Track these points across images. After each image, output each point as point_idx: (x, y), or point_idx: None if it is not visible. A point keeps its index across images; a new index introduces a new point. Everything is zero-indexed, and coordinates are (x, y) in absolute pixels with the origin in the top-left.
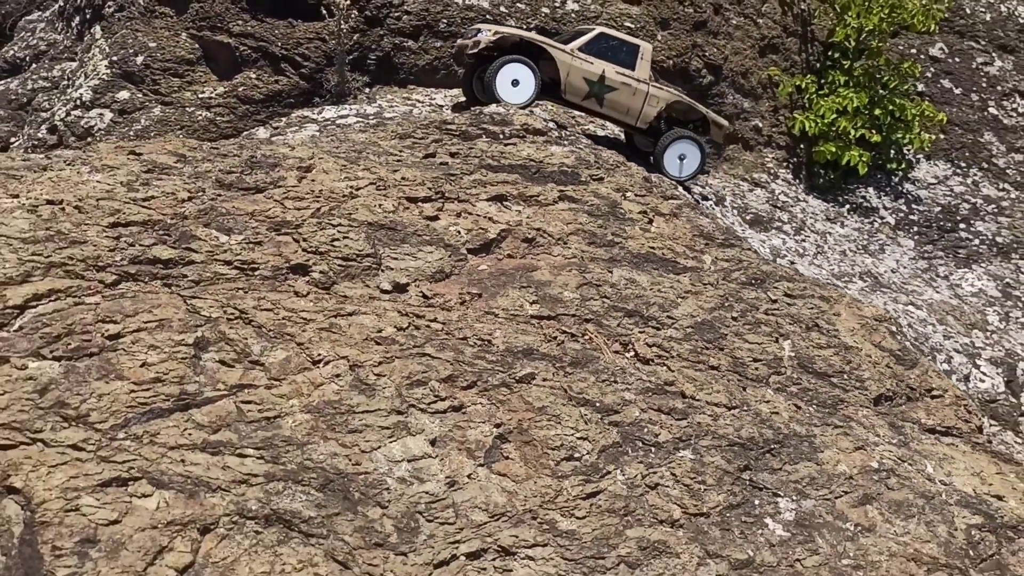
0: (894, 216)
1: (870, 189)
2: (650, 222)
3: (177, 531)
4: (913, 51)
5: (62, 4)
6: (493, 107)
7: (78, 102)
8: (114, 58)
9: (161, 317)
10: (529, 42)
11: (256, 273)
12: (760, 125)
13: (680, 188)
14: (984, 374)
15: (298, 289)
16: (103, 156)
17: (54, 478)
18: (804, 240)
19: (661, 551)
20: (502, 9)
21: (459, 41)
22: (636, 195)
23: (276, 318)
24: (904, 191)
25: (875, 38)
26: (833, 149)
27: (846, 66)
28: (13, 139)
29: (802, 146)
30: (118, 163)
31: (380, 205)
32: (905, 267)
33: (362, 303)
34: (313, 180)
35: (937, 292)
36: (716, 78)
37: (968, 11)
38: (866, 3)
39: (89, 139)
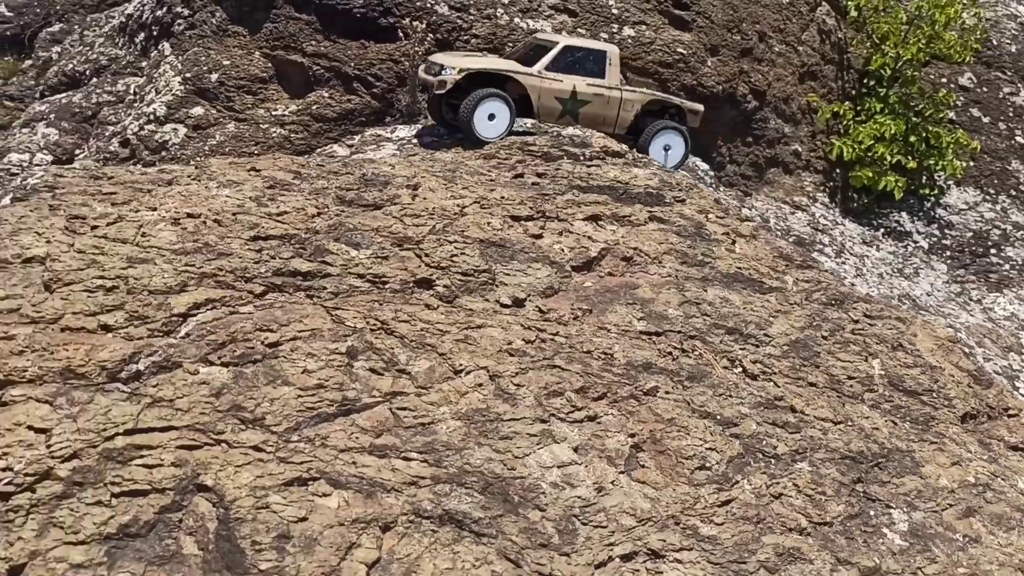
0: (927, 240)
1: (903, 214)
2: (733, 243)
3: (362, 528)
4: (943, 80)
5: (123, 20)
6: (571, 129)
7: (151, 117)
8: (187, 75)
9: (312, 327)
10: (496, 72)
11: (387, 286)
12: (799, 150)
13: (748, 209)
14: (1023, 395)
15: (428, 302)
16: (225, 171)
17: (241, 477)
18: (844, 263)
19: (796, 557)
20: (564, 34)
21: (421, 74)
22: (717, 217)
23: (415, 329)
24: (936, 216)
25: (910, 67)
26: (870, 174)
27: (881, 93)
28: (78, 151)
29: (838, 171)
30: (241, 178)
31: (488, 223)
32: (939, 290)
33: (487, 316)
34: (424, 198)
35: (971, 315)
36: (760, 103)
37: (995, 42)
38: (903, 34)
39: (163, 153)
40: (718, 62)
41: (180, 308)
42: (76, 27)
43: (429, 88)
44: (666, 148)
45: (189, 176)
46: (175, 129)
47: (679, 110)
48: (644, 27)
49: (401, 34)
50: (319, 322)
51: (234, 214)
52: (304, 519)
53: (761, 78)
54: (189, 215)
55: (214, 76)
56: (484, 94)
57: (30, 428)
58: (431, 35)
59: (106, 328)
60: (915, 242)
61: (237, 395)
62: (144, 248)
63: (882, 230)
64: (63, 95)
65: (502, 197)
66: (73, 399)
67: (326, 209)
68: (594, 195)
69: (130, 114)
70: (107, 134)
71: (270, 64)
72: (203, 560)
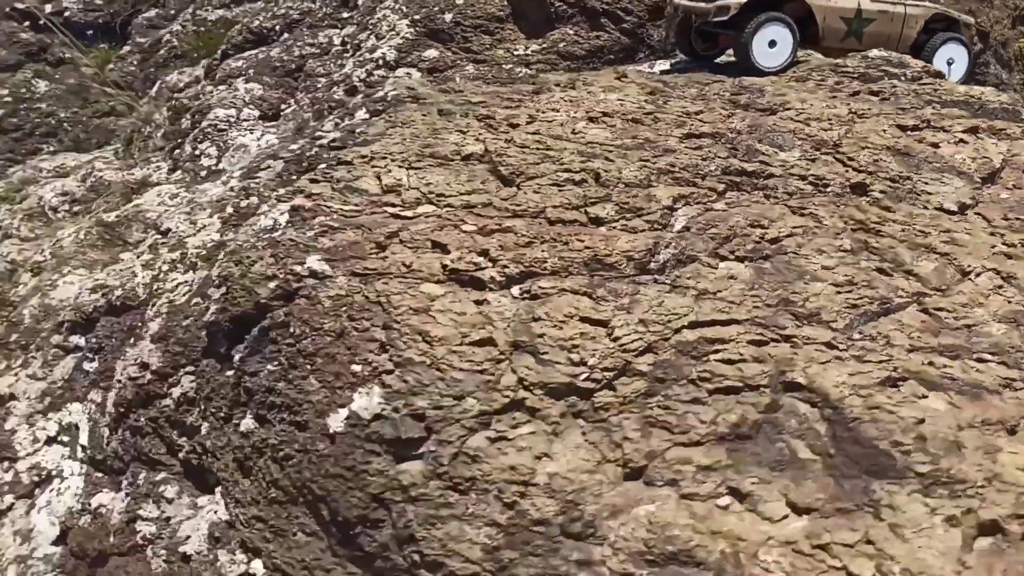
0: None
1: None
2: None
3: (993, 431)
4: None
5: None
6: (876, 52)
7: (380, 62)
8: (416, 17)
9: (796, 224)
10: None
11: (828, 189)
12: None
13: None
14: None
15: (882, 204)
16: (596, 79)
17: (830, 375)
18: None
19: None
20: None
21: (684, 1)
22: None
23: (896, 229)
24: None
25: None
26: None
27: None
28: (283, 106)
29: None
30: (615, 85)
31: (884, 130)
32: None
33: (943, 220)
34: (811, 104)
35: None
36: (985, 46)
37: None
38: None
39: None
40: (952, 1)
41: (666, 201)
42: (173, 10)
43: (699, 16)
44: (949, 62)
45: (558, 86)
46: (408, 73)
47: (954, 23)
48: None
49: None
50: (798, 220)
51: (647, 113)
52: (922, 421)
53: (986, 19)
54: (604, 114)
55: (448, 16)
56: (766, 18)
57: (584, 320)
58: None
59: (597, 221)
60: None
61: (774, 290)
62: (585, 144)
63: None
64: (255, 51)
65: (868, 108)
66: (616, 291)
67: (732, 111)
68: (954, 109)
69: (344, 64)
70: (319, 85)
71: (506, 2)
72: (825, 465)
